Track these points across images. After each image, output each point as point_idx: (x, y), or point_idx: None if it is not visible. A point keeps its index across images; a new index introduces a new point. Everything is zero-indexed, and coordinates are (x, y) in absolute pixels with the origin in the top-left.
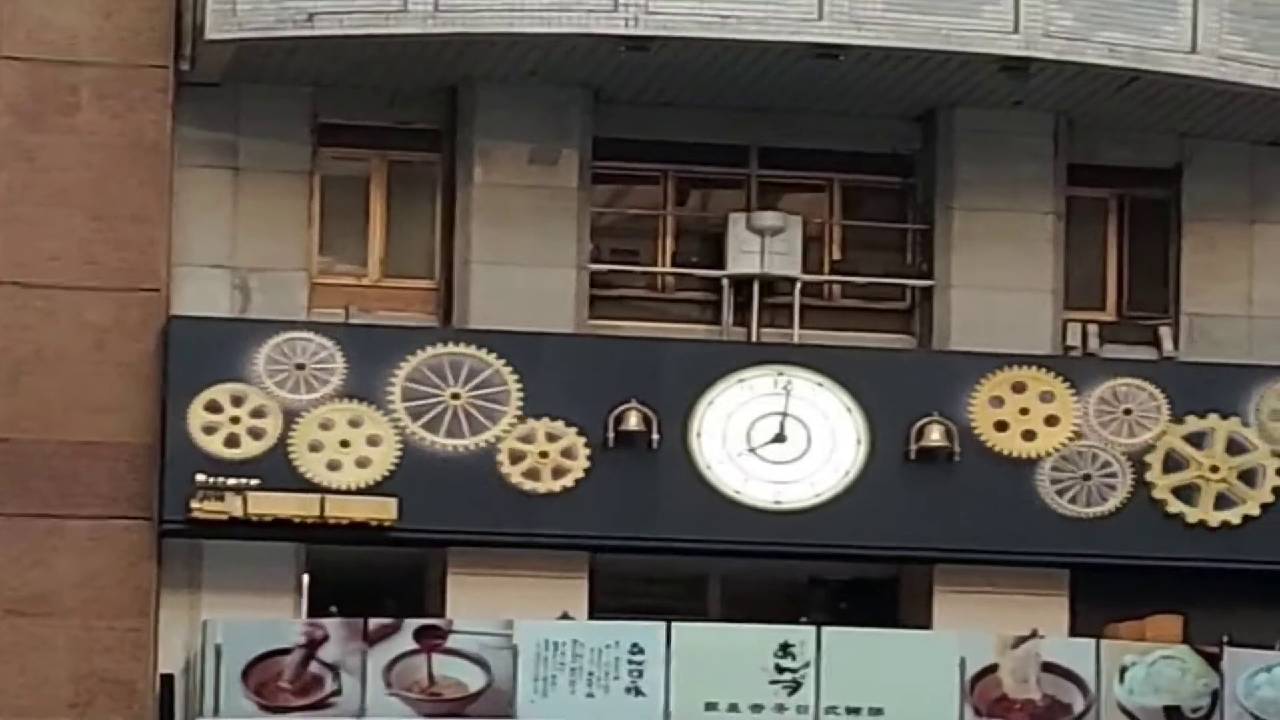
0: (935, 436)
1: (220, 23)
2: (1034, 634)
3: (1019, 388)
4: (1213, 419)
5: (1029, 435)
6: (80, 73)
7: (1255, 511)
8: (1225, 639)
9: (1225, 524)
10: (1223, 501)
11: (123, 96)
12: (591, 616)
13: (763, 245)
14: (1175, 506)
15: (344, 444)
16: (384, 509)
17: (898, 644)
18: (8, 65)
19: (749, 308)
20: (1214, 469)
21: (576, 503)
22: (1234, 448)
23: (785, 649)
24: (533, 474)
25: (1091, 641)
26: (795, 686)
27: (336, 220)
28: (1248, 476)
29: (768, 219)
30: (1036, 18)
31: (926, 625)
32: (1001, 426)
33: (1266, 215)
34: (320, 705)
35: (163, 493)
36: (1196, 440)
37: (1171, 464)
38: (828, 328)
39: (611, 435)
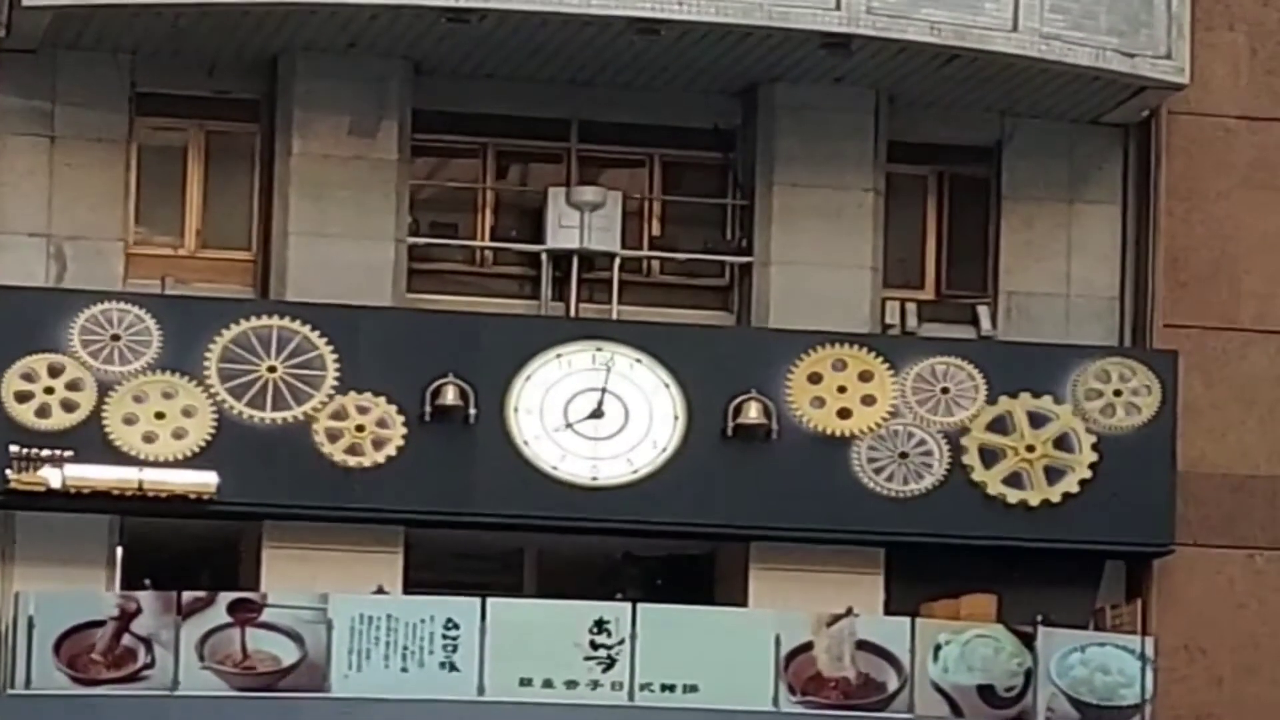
0: (753, 414)
1: None
2: (849, 612)
3: (837, 365)
4: (1005, 401)
5: (846, 413)
6: None
7: (1074, 489)
8: (1039, 618)
9: (1041, 503)
10: (1053, 475)
11: None
12: (406, 591)
13: (582, 220)
14: (992, 487)
15: (159, 416)
16: (204, 482)
17: (713, 621)
18: None
19: (568, 283)
20: (1030, 448)
21: (392, 477)
22: (1037, 421)
23: (600, 625)
24: (349, 448)
25: (906, 620)
26: (610, 663)
27: (153, 190)
28: (1063, 443)
29: (587, 194)
30: None
31: (742, 603)
32: (819, 404)
33: (1085, 194)
34: (133, 678)
35: None
36: (1000, 427)
37: (988, 455)
38: (647, 304)
39: (428, 410)
